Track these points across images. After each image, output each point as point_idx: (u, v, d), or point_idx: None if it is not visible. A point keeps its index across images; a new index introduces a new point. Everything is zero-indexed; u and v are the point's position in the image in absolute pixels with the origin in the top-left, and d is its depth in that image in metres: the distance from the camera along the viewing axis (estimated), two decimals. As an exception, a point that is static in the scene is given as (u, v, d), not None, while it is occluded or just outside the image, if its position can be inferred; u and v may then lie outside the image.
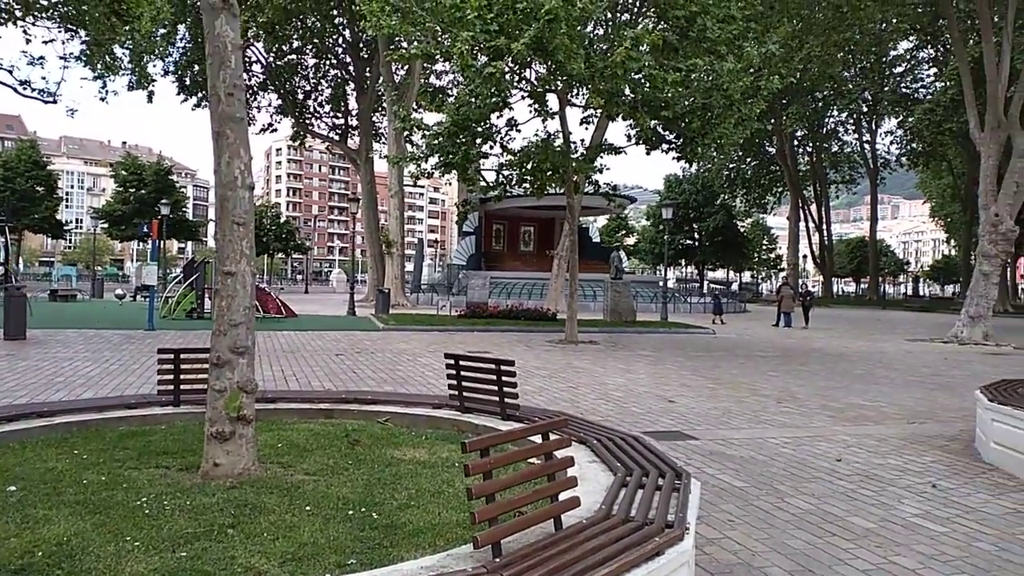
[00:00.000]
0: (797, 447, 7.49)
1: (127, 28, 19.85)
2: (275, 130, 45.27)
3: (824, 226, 63.19)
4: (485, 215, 48.75)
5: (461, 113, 15.39)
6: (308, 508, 3.93)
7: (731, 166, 63.06)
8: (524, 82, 15.67)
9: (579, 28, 13.92)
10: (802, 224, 63.27)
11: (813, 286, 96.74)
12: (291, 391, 8.84)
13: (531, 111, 16.40)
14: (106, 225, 48.70)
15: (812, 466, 6.72)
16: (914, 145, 52.46)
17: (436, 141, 16.46)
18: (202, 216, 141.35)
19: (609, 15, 16.80)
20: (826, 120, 59.09)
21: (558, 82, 15.08)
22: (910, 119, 44.68)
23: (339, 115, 44.95)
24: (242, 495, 4.10)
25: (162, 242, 47.39)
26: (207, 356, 4.62)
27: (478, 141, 17.21)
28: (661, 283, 41.45)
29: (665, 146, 18.26)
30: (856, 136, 60.90)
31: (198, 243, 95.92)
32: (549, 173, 16.67)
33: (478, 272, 39.81)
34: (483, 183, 17.76)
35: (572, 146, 17.35)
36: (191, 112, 40.03)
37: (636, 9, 16.63)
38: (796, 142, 59.81)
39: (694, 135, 17.14)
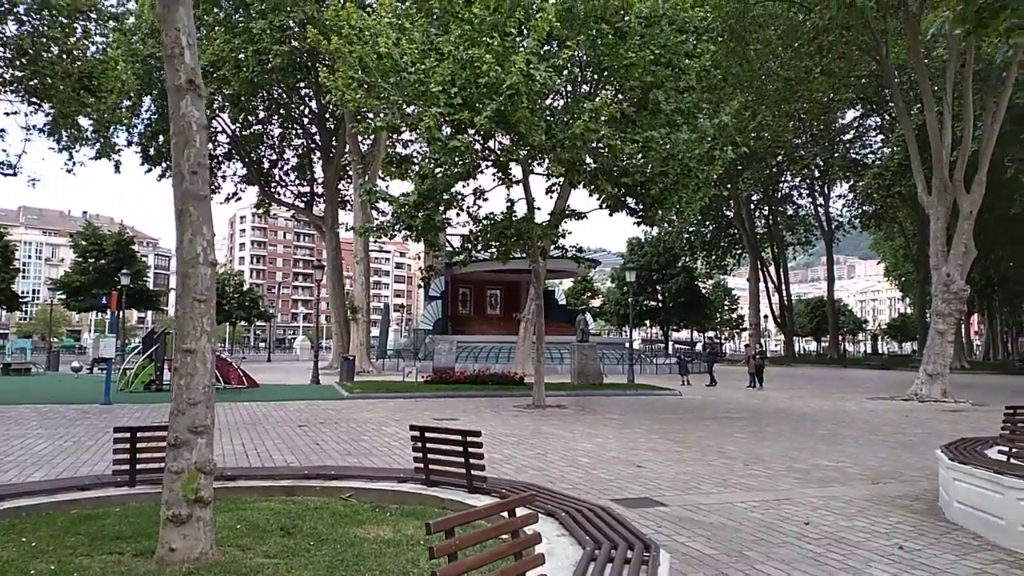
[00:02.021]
0: (765, 511, 7.48)
1: (93, 100, 19.92)
2: (240, 199, 45.29)
3: (783, 286, 64.56)
4: (451, 279, 48.86)
5: (426, 184, 15.59)
6: (268, 594, 3.80)
7: (691, 229, 64.50)
8: (488, 152, 15.98)
9: (540, 101, 14.30)
10: (762, 285, 64.57)
11: (775, 345, 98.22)
12: (251, 467, 8.62)
13: (495, 180, 16.70)
14: (64, 296, 47.70)
15: (781, 530, 6.71)
16: (866, 208, 54.38)
17: (403, 210, 16.61)
18: (163, 285, 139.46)
19: (569, 88, 17.32)
20: (781, 184, 61.11)
21: (521, 152, 15.43)
22: (860, 183, 46.42)
23: (304, 183, 45.20)
24: (199, 582, 3.96)
25: (121, 313, 46.60)
26: (165, 434, 4.50)
27: (441, 208, 17.45)
28: (627, 345, 41.69)
29: (627, 210, 18.66)
30: (810, 200, 63.00)
31: (158, 313, 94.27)
32: (514, 239, 16.87)
33: (444, 336, 39.61)
34: (449, 248, 17.85)
35: (536, 213, 17.63)
36: (154, 182, 40.08)
37: (595, 81, 17.17)
38: (752, 206, 61.56)
39: (653, 200, 17.57)
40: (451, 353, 35.89)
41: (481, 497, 5.03)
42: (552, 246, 19.97)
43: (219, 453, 10.32)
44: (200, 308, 4.43)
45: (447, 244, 18.60)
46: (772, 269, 65.84)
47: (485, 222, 16.65)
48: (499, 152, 15.43)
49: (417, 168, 17.55)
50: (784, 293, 65.05)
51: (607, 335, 75.39)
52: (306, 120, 42.54)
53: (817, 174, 57.55)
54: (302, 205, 44.97)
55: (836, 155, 52.97)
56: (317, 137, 42.03)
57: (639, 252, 69.21)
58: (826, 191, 61.17)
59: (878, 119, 48.40)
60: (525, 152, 16.64)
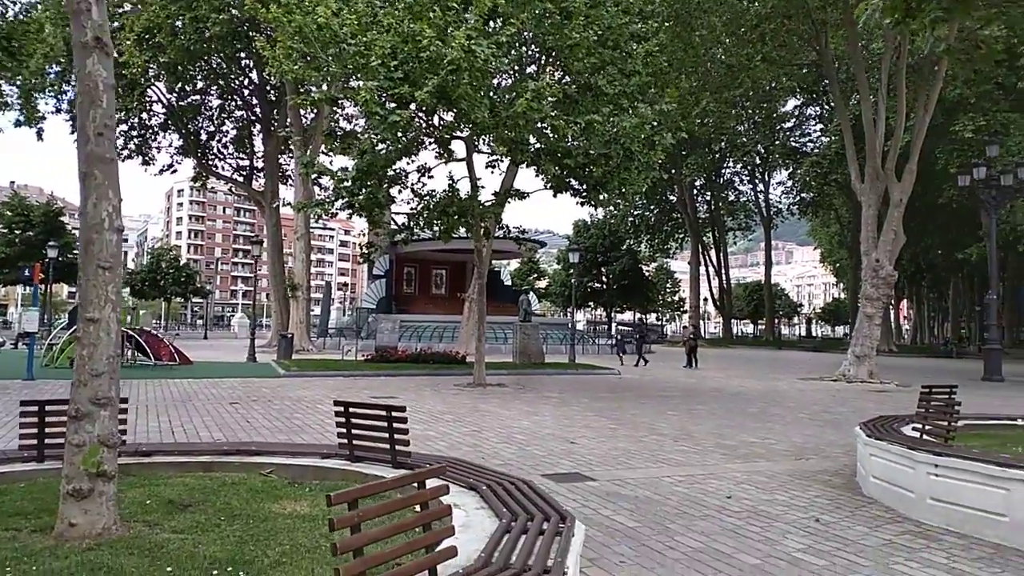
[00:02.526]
0: (691, 485, 7.61)
1: (13, 64, 18.91)
2: (175, 171, 43.73)
3: (723, 270, 65.89)
4: (396, 258, 48.39)
5: (365, 160, 15.31)
6: (169, 569, 3.67)
7: (636, 212, 65.18)
8: (432, 129, 15.76)
9: (483, 79, 14.13)
10: (703, 268, 65.83)
11: (715, 328, 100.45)
12: (171, 444, 8.37)
13: (438, 157, 16.51)
14: (-9, 268, 45.54)
15: (703, 504, 6.84)
16: (803, 195, 55.78)
17: (342, 185, 16.31)
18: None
19: (516, 68, 17.18)
20: (723, 170, 62.17)
21: (463, 129, 15.26)
22: (799, 171, 47.48)
23: (244, 156, 43.93)
24: (98, 557, 3.79)
25: (48, 286, 44.61)
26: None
27: (385, 185, 17.19)
28: (569, 325, 42.01)
29: (570, 191, 18.69)
30: (751, 186, 64.23)
31: (75, 287, 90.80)
32: (456, 217, 16.74)
33: (387, 315, 39.35)
34: (392, 226, 17.61)
35: (479, 191, 17.51)
36: (121, 160, 38.29)
37: (540, 61, 17.07)
38: (696, 191, 62.49)
39: (596, 182, 17.64)
40: (393, 332, 35.65)
41: (402, 472, 4.95)
42: (497, 226, 19.93)
43: (143, 430, 10.02)
44: (105, 276, 4.23)
45: (391, 222, 18.30)
46: (713, 253, 67.11)
47: (427, 199, 16.46)
48: (440, 128, 15.21)
49: (358, 144, 17.10)
50: (723, 277, 66.43)
51: (552, 316, 75.79)
52: (247, 92, 41.24)
53: (758, 161, 58.75)
54: (241, 179, 43.71)
55: (776, 143, 54.11)
56: (258, 109, 40.88)
57: (585, 234, 69.66)
58: (766, 178, 62.50)
59: (818, 109, 49.56)
60: (469, 130, 16.53)
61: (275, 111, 39.33)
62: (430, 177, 18.20)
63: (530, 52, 16.85)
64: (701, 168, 54.28)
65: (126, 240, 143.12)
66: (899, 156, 22.92)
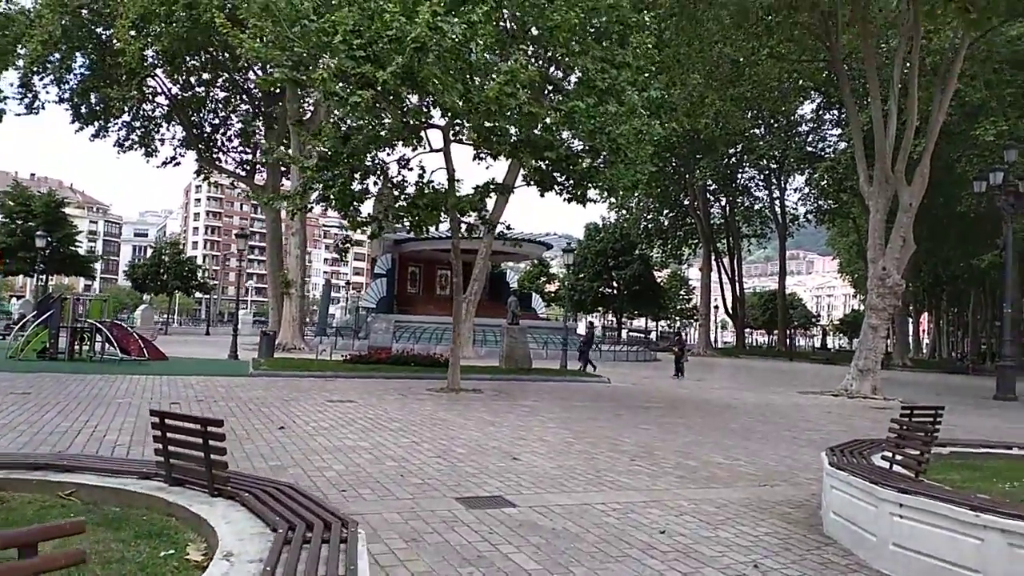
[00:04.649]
0: (624, 515, 6.60)
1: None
2: (178, 163, 43.31)
3: (736, 278, 64.43)
4: (400, 257, 47.60)
5: (327, 146, 14.44)
6: None
7: (648, 217, 63.94)
8: (401, 114, 14.83)
9: (454, 60, 13.19)
10: (717, 276, 64.42)
11: (730, 337, 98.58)
12: None
13: (405, 144, 15.59)
14: (-11, 258, 45.29)
15: (628, 540, 5.83)
16: (820, 203, 54.30)
17: (308, 175, 15.47)
18: (114, 252, 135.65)
19: (497, 50, 16.18)
20: (738, 176, 60.73)
21: (432, 114, 14.33)
22: (814, 176, 46.13)
23: (248, 150, 43.38)
24: None
25: (38, 277, 44.05)
26: None
27: (357, 176, 16.30)
28: (571, 330, 40.91)
29: (556, 188, 17.70)
30: (767, 192, 62.76)
31: (91, 280, 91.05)
32: (428, 211, 15.79)
33: (382, 315, 38.55)
34: (362, 219, 16.71)
35: (458, 184, 16.56)
36: (110, 147, 38.04)
37: (519, 44, 16.07)
38: (710, 196, 61.09)
39: (581, 177, 16.65)
40: (387, 332, 34.80)
41: (219, 502, 4.02)
42: (482, 222, 18.97)
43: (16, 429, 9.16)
44: None
45: (363, 215, 17.38)
46: (727, 260, 65.62)
47: (396, 192, 15.54)
48: (410, 114, 14.27)
49: (326, 129, 16.22)
50: (737, 285, 64.94)
51: (557, 320, 74.61)
52: (251, 84, 40.68)
53: (774, 166, 57.29)
54: (243, 173, 43.19)
55: (793, 147, 52.65)
56: (261, 103, 40.31)
57: (595, 238, 68.56)
58: (782, 184, 60.99)
59: (836, 113, 48.10)
60: (446, 118, 15.61)
61: (280, 103, 38.68)
62: (410, 170, 17.31)
63: (510, 33, 15.84)
64: (714, 172, 52.86)
65: (145, 235, 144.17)
66: (910, 159, 21.67)
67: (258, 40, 14.24)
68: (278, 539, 3.32)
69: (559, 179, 17.28)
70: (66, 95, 36.32)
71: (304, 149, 20.48)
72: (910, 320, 74.34)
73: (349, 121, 14.12)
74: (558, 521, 6.29)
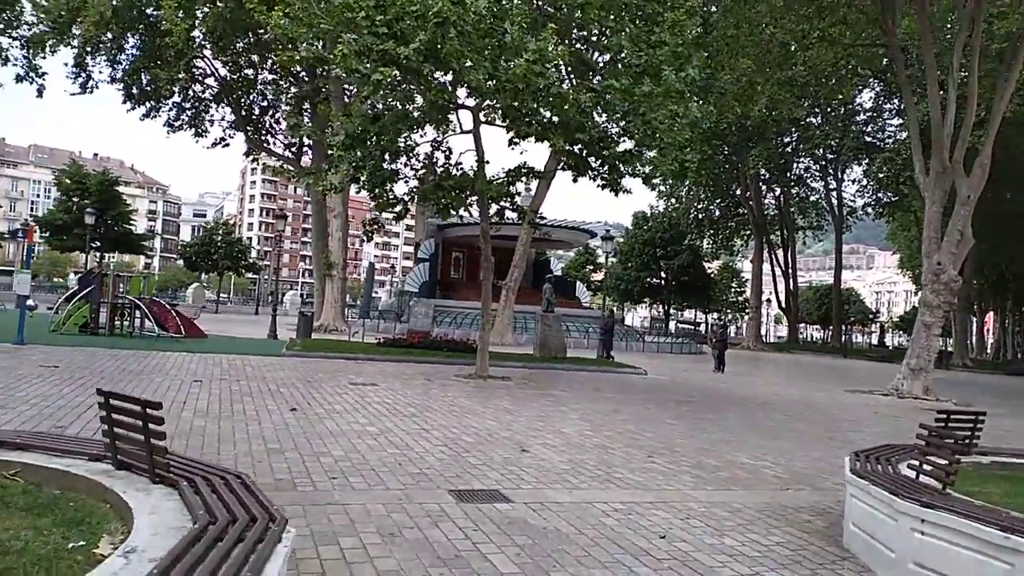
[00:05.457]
0: (625, 516, 6.19)
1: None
2: (227, 144, 43.79)
3: (790, 271, 62.58)
4: (443, 242, 47.63)
5: (358, 124, 14.20)
6: None
7: (698, 207, 62.48)
8: (428, 93, 14.50)
9: (480, 37, 12.78)
10: (771, 268, 62.66)
11: (784, 332, 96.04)
12: None
13: (438, 126, 15.27)
14: (47, 234, 46.85)
15: (623, 545, 5.42)
16: (879, 195, 52.21)
17: (336, 152, 15.28)
18: (173, 232, 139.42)
19: (529, 30, 15.71)
20: (794, 166, 58.78)
21: (459, 93, 13.96)
22: (872, 166, 44.36)
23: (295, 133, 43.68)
24: None
25: (90, 255, 45.18)
26: None
27: (387, 156, 16.07)
28: (619, 319, 40.22)
29: (590, 173, 17.16)
30: (823, 183, 60.68)
31: (150, 258, 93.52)
32: (455, 194, 15.47)
33: (422, 300, 38.56)
34: (392, 199, 16.47)
35: (485, 167, 16.18)
36: (169, 128, 38.77)
37: (554, 25, 15.53)
38: (763, 186, 59.32)
39: (615, 161, 16.09)
40: (427, 317, 34.85)
41: (156, 490, 3.76)
42: (512, 208, 18.58)
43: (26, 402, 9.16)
44: None
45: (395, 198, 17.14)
46: (780, 253, 63.72)
47: (422, 172, 15.25)
48: (434, 90, 13.92)
49: (353, 106, 15.99)
50: (791, 279, 63.04)
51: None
52: (298, 67, 40.91)
53: (831, 156, 55.27)
54: (291, 155, 43.57)
55: (850, 136, 50.63)
56: (308, 84, 40.49)
57: (643, 227, 67.40)
58: (839, 175, 58.81)
59: (896, 102, 46.06)
60: (475, 99, 15.24)
61: (326, 85, 38.78)
62: (441, 152, 16.99)
63: (543, 11, 15.32)
64: (767, 160, 51.17)
65: (204, 215, 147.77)
66: (970, 149, 20.42)
67: (285, 18, 14.08)
68: (189, 535, 3.01)
69: (593, 164, 16.76)
70: (118, 75, 37.04)
71: (333, 127, 20.38)
72: (973, 319, 71.29)
73: (376, 101, 13.80)
74: (552, 520, 5.91)
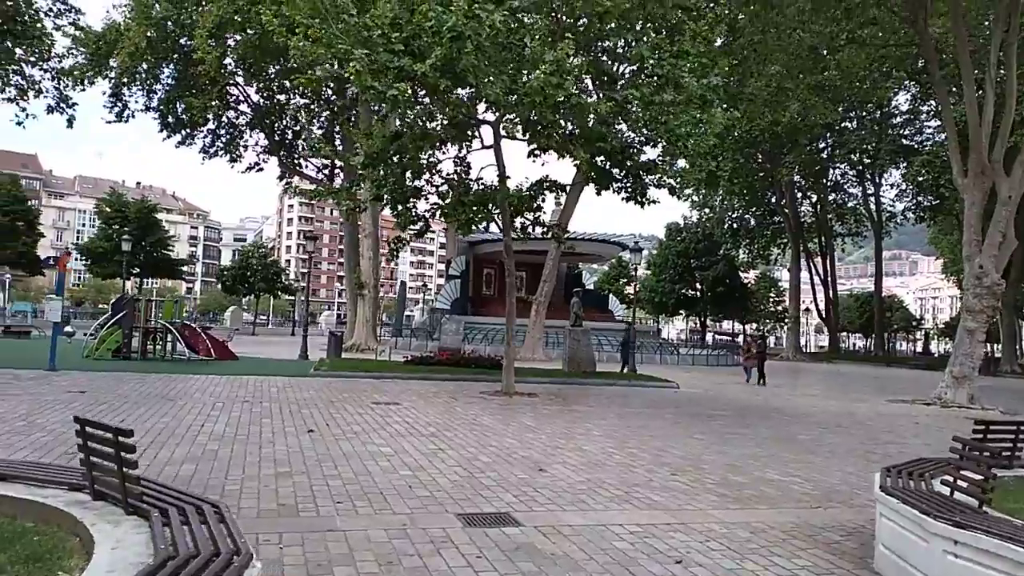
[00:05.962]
0: (641, 539, 5.88)
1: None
2: (261, 169, 44.55)
3: (829, 279, 61.23)
4: (474, 259, 47.59)
5: (378, 143, 14.18)
6: None
7: (732, 215, 61.58)
8: (447, 108, 14.43)
9: (497, 51, 12.67)
10: (807, 276, 61.38)
11: (824, 341, 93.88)
12: None
13: (458, 143, 15.19)
14: (88, 262, 48.05)
15: (636, 570, 5.13)
16: (920, 199, 50.90)
17: (358, 171, 15.30)
18: (214, 257, 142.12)
19: (537, 37, 15.53)
20: (830, 172, 57.67)
21: (478, 108, 13.86)
22: (910, 170, 43.28)
23: (326, 156, 44.18)
24: None
25: (132, 279, 46.20)
26: None
27: (409, 174, 16.04)
28: (654, 332, 39.73)
29: (613, 185, 16.90)
30: (860, 188, 59.38)
31: (191, 283, 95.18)
32: (475, 209, 15.34)
33: (453, 317, 38.42)
34: (413, 216, 16.40)
35: (506, 181, 16.02)
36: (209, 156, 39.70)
37: (567, 32, 15.36)
38: (798, 193, 58.26)
39: (639, 171, 15.83)
40: (457, 334, 34.57)
41: (127, 522, 3.61)
42: (535, 222, 18.38)
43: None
44: None
45: (413, 213, 17.09)
46: (819, 261, 62.41)
47: (443, 188, 15.16)
48: (452, 105, 13.84)
49: (375, 125, 16.02)
50: (831, 286, 61.66)
51: (642, 323, 72.87)
52: (329, 91, 41.45)
53: (867, 160, 54.07)
54: (324, 178, 44.05)
55: (886, 140, 49.48)
56: (340, 110, 40.97)
57: (676, 238, 66.67)
58: (877, 179, 57.49)
59: (934, 103, 44.91)
60: (495, 113, 15.13)
61: (356, 108, 39.20)
62: (463, 168, 16.90)
63: (561, 23, 15.12)
64: (802, 167, 50.22)
65: (244, 240, 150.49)
66: (1010, 148, 19.68)
67: (305, 40, 14.16)
68: (142, 572, 2.84)
69: (617, 175, 16.51)
70: (153, 104, 37.91)
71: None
72: (1022, 323, 68.89)
73: (394, 119, 13.79)
74: (562, 544, 5.64)
